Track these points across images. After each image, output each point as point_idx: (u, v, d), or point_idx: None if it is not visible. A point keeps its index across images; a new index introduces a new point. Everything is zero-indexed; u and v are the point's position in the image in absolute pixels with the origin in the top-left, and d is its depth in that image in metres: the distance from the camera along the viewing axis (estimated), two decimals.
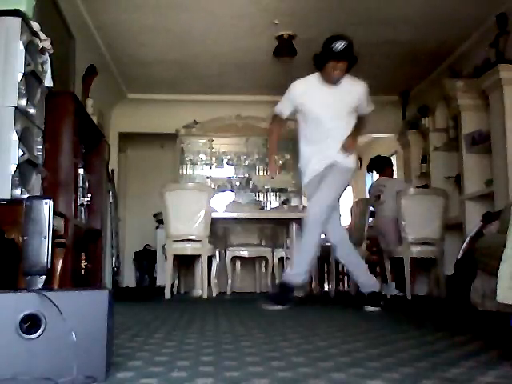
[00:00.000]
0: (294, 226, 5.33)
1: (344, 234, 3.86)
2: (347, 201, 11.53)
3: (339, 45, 3.40)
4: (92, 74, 5.86)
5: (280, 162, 7.55)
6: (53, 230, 1.36)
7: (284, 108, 3.76)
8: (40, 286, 1.29)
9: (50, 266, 1.33)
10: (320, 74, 3.63)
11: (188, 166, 7.77)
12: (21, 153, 2.72)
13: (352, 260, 3.83)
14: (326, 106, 3.63)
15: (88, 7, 5.12)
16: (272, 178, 4.14)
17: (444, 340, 2.12)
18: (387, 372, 1.37)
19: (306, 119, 3.72)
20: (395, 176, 6.35)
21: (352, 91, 3.66)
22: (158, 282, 6.99)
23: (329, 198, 3.62)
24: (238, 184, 7.71)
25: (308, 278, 3.91)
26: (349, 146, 3.64)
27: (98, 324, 1.20)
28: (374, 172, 6.23)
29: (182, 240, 4.90)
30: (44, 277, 1.31)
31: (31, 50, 2.91)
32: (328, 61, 3.47)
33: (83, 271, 4.09)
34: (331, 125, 3.64)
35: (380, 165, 5.98)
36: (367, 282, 3.78)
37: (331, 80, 3.57)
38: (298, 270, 3.68)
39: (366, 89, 3.73)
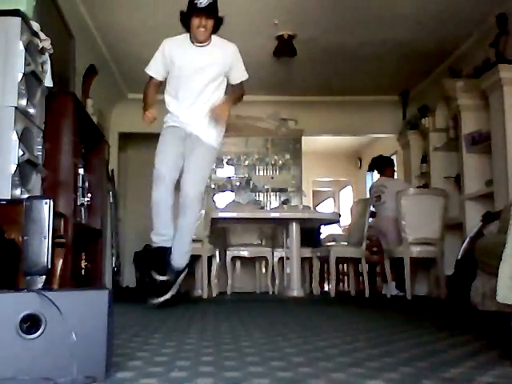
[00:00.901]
0: (294, 225, 5.34)
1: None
2: (347, 201, 11.58)
3: (203, 0, 3.33)
4: (92, 74, 5.85)
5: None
6: (53, 229, 1.36)
7: (157, 69, 3.62)
8: (40, 286, 1.29)
9: (50, 266, 1.33)
10: (190, 35, 3.53)
11: None
12: (21, 153, 2.73)
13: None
14: (194, 66, 3.52)
15: (88, 7, 5.12)
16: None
17: (444, 340, 2.12)
18: (387, 372, 1.37)
19: (174, 76, 3.58)
20: (396, 176, 6.36)
21: (221, 53, 3.56)
22: None
23: (204, 178, 3.61)
24: (237, 184, 7.71)
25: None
26: (219, 113, 3.54)
27: (98, 324, 1.20)
28: (375, 172, 6.23)
29: None
30: (44, 277, 1.31)
31: (31, 49, 2.91)
32: (192, 17, 3.38)
33: (83, 271, 4.09)
34: (197, 87, 3.54)
35: (381, 165, 5.98)
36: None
37: (197, 38, 3.47)
38: (183, 249, 3.58)
39: (237, 52, 3.60)
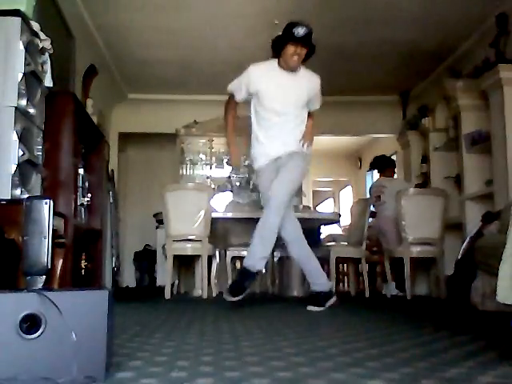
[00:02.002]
0: None
1: (298, 228, 3.71)
2: (347, 201, 11.58)
3: (301, 30, 3.38)
4: (92, 74, 5.86)
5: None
6: (53, 229, 1.36)
7: (238, 91, 3.62)
8: (40, 286, 1.29)
9: (50, 266, 1.33)
10: (278, 61, 3.55)
11: (188, 166, 7.77)
12: (21, 153, 2.73)
13: (305, 257, 3.70)
14: (281, 93, 3.55)
15: (88, 7, 5.12)
16: (236, 166, 4.02)
17: (444, 340, 2.12)
18: (387, 372, 1.37)
19: (260, 104, 3.59)
20: (396, 176, 6.35)
21: (308, 83, 3.63)
22: (158, 282, 6.99)
23: (292, 181, 3.60)
24: (237, 184, 7.70)
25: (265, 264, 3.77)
26: (308, 139, 3.76)
27: (98, 324, 1.20)
28: (375, 171, 6.22)
29: (182, 240, 4.90)
30: (44, 277, 1.31)
31: (31, 49, 2.91)
32: (287, 44, 3.41)
33: (83, 271, 4.09)
34: (283, 112, 3.57)
35: (382, 164, 5.97)
36: (318, 280, 3.67)
37: (289, 65, 3.50)
38: (262, 254, 3.56)
39: (319, 83, 3.70)
